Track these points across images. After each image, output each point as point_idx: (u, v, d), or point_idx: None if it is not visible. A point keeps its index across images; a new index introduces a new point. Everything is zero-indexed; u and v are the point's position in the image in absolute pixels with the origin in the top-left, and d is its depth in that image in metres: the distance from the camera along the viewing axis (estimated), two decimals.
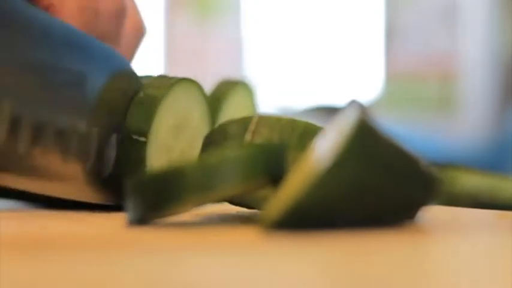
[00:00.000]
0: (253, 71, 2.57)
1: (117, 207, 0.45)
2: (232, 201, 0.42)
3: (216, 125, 0.50)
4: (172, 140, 0.47)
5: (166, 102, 0.46)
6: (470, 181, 0.60)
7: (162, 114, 0.46)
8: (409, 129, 2.17)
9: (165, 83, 0.47)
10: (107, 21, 0.49)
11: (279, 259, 0.28)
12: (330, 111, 1.98)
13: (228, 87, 0.55)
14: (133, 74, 0.48)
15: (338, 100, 2.35)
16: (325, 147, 0.35)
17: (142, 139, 0.45)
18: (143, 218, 0.37)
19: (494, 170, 0.65)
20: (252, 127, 0.41)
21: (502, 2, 2.25)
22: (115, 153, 0.46)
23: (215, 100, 0.54)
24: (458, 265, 0.27)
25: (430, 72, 2.28)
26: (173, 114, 0.47)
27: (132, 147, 0.45)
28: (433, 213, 0.42)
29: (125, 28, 0.51)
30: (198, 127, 0.49)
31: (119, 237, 0.34)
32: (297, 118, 0.41)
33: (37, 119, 0.43)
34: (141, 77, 0.48)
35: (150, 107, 0.46)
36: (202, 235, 0.35)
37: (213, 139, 0.42)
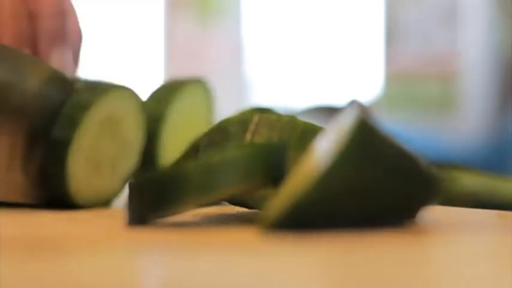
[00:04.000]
0: (253, 71, 2.58)
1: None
2: (232, 201, 0.42)
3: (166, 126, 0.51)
4: (101, 144, 0.48)
5: (96, 108, 0.47)
6: (470, 181, 0.60)
7: (89, 119, 0.47)
8: (409, 129, 2.16)
9: (98, 89, 0.47)
10: (51, 21, 0.50)
11: (278, 259, 0.28)
12: (330, 111, 1.98)
13: (174, 88, 0.54)
14: (65, 79, 0.48)
15: (338, 100, 2.35)
16: (325, 147, 0.35)
17: (65, 142, 0.46)
18: (143, 218, 0.37)
19: (494, 170, 0.65)
20: (252, 127, 0.41)
21: (502, 2, 2.25)
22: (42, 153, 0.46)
23: (157, 102, 0.53)
24: (459, 265, 0.27)
25: (430, 72, 2.28)
26: (102, 119, 0.47)
27: (56, 149, 0.46)
28: (433, 213, 0.42)
29: (70, 28, 0.52)
30: (131, 132, 0.49)
31: (119, 237, 0.34)
32: (297, 118, 0.41)
33: None
34: (77, 81, 0.49)
35: (78, 111, 0.46)
36: (202, 235, 0.35)
37: (213, 139, 0.42)
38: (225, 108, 2.23)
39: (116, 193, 0.50)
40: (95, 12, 2.45)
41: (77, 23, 0.53)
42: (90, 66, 2.35)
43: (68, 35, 0.51)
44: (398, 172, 0.35)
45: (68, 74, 0.51)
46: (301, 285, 0.23)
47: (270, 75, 2.56)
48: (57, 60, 0.50)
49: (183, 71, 2.48)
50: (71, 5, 0.53)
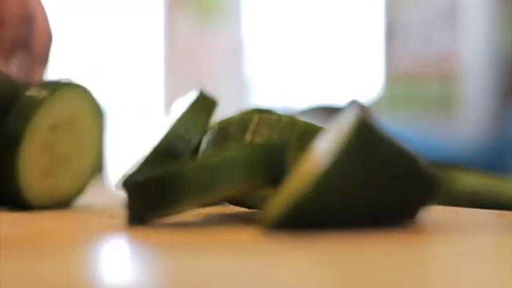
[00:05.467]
0: (253, 71, 2.58)
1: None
2: (232, 201, 0.42)
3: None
4: (54, 144, 0.48)
5: (46, 105, 0.47)
6: (470, 181, 0.60)
7: (41, 115, 0.47)
8: (409, 129, 2.16)
9: (50, 86, 0.48)
10: (15, 27, 0.50)
11: (278, 259, 0.28)
12: (330, 111, 1.98)
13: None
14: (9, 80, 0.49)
15: (338, 100, 2.35)
16: (325, 147, 0.35)
17: (17, 138, 0.46)
18: (143, 218, 0.37)
19: (494, 170, 0.65)
20: (252, 127, 0.41)
21: (502, 2, 2.25)
22: None
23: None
24: (458, 265, 0.27)
25: (430, 72, 2.28)
26: (53, 116, 0.48)
27: (7, 144, 0.46)
28: (433, 213, 0.42)
29: (35, 34, 0.52)
30: (88, 132, 0.50)
31: (118, 237, 0.34)
32: (297, 118, 0.41)
33: None
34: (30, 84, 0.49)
35: (28, 108, 0.47)
36: (202, 235, 0.35)
37: (213, 139, 0.42)
38: (225, 109, 2.23)
39: (74, 194, 0.50)
40: (96, 12, 2.45)
41: (46, 25, 0.53)
42: (90, 66, 2.35)
43: (33, 39, 0.52)
44: (398, 172, 0.35)
45: (28, 77, 0.52)
46: (301, 285, 0.23)
47: (270, 76, 2.56)
48: (16, 65, 0.51)
49: (183, 71, 2.48)
50: (40, 7, 0.53)
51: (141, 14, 2.57)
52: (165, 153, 0.45)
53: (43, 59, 0.53)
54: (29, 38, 0.51)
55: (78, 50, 2.32)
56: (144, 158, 0.46)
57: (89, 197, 0.58)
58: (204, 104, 0.48)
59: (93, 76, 2.29)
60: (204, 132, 0.47)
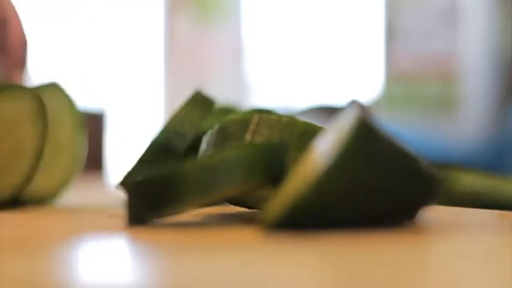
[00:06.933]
0: (253, 71, 2.58)
1: None
2: (232, 201, 0.42)
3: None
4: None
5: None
6: (470, 181, 0.60)
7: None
8: (409, 129, 2.16)
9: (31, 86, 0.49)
10: None
11: (278, 259, 0.28)
12: (330, 111, 1.97)
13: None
14: None
15: (338, 100, 2.35)
16: (325, 147, 0.35)
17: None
18: (143, 218, 0.37)
19: (494, 170, 0.65)
20: (252, 127, 0.41)
21: (502, 2, 2.25)
22: None
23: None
24: (459, 265, 0.27)
25: (430, 72, 2.28)
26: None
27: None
28: (433, 213, 0.42)
29: (10, 37, 0.53)
30: (66, 134, 0.51)
31: (118, 237, 0.34)
32: (297, 118, 0.41)
33: None
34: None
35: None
36: (202, 235, 0.35)
37: (213, 139, 0.42)
38: None
39: (54, 193, 0.51)
40: (96, 13, 2.45)
41: (20, 28, 0.54)
42: (91, 66, 2.35)
43: (8, 42, 0.52)
44: (398, 172, 0.35)
45: (7, 80, 0.52)
46: (301, 285, 0.23)
47: (270, 76, 2.56)
48: None
49: (183, 71, 2.48)
50: (13, 11, 0.54)
51: (141, 14, 2.57)
52: (161, 148, 0.45)
53: (20, 62, 0.54)
54: (4, 41, 0.52)
55: (78, 50, 2.31)
56: (141, 155, 0.46)
57: (89, 197, 0.58)
58: (200, 101, 0.48)
59: (92, 76, 2.29)
60: (204, 132, 0.47)
